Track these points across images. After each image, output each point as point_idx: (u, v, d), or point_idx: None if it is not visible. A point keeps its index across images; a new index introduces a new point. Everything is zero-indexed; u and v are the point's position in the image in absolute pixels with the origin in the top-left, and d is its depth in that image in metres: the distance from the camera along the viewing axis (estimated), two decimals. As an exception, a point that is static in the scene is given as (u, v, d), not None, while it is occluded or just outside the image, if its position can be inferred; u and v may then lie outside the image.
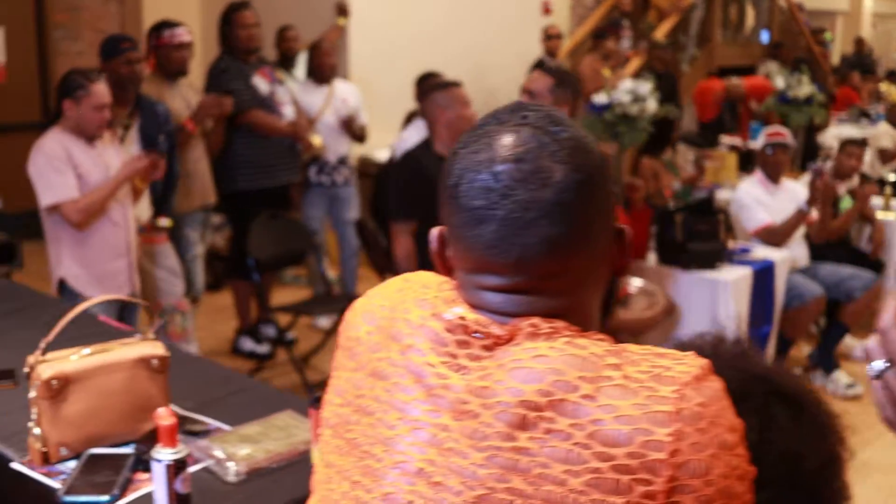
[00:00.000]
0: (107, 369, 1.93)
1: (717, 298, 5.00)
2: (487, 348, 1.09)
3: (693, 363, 1.06)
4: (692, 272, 5.06)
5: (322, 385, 3.87)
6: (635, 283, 4.90)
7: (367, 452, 1.13)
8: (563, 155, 1.09)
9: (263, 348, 5.79)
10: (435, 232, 1.20)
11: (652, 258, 5.23)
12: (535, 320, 1.08)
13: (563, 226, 1.08)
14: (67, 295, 4.08)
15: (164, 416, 1.70)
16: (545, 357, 1.04)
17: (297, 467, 1.93)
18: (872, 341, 0.94)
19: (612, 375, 1.03)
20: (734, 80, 9.28)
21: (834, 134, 8.66)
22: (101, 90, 4.05)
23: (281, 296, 6.40)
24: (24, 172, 4.19)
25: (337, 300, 5.83)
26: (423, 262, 4.35)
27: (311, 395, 2.37)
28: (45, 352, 1.91)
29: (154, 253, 4.82)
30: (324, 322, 6.15)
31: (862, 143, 6.62)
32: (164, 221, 4.89)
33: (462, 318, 1.11)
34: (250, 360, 5.70)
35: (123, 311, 4.34)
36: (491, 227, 1.08)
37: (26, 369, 1.93)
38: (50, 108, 8.08)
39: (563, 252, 1.09)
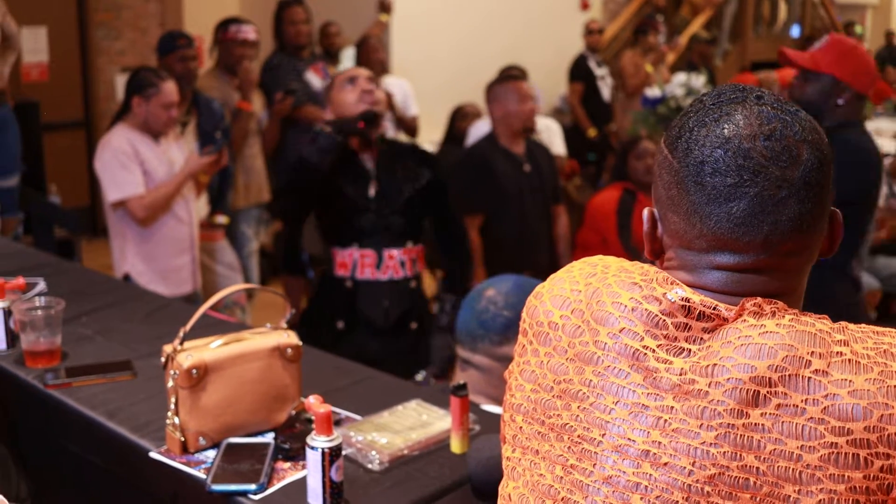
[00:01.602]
0: (244, 358, 1.93)
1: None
2: (708, 330, 1.09)
3: None
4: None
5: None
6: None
7: (582, 437, 1.13)
8: (805, 134, 1.10)
9: (315, 344, 5.79)
10: (647, 212, 1.21)
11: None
12: (758, 300, 1.09)
13: (809, 204, 1.09)
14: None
15: (319, 404, 1.71)
16: (775, 333, 1.05)
17: (437, 456, 1.92)
18: None
19: (842, 351, 1.04)
20: (767, 73, 9.24)
21: (871, 128, 8.63)
22: (171, 89, 4.07)
23: (328, 292, 6.38)
24: (69, 170, 4.22)
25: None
26: (489, 253, 4.34)
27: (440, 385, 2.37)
28: (182, 341, 1.92)
29: (212, 249, 4.83)
30: (372, 317, 6.14)
31: None
32: (222, 219, 4.91)
33: (686, 300, 1.11)
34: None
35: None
36: (742, 204, 1.09)
37: (163, 358, 1.93)
38: (91, 106, 8.13)
39: (806, 230, 1.11)
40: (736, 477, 1.02)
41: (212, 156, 4.24)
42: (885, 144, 7.36)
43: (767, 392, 1.03)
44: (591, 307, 1.17)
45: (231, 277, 4.91)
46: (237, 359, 1.92)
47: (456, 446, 1.92)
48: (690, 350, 1.09)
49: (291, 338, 2.01)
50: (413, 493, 1.79)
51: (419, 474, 1.85)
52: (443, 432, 1.96)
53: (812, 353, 1.04)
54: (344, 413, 2.10)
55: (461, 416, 1.90)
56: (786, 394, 1.03)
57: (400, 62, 7.88)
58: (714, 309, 1.10)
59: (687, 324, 1.10)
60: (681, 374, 1.07)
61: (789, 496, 1.00)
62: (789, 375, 1.03)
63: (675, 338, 1.10)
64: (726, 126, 1.11)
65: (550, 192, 4.58)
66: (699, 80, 5.60)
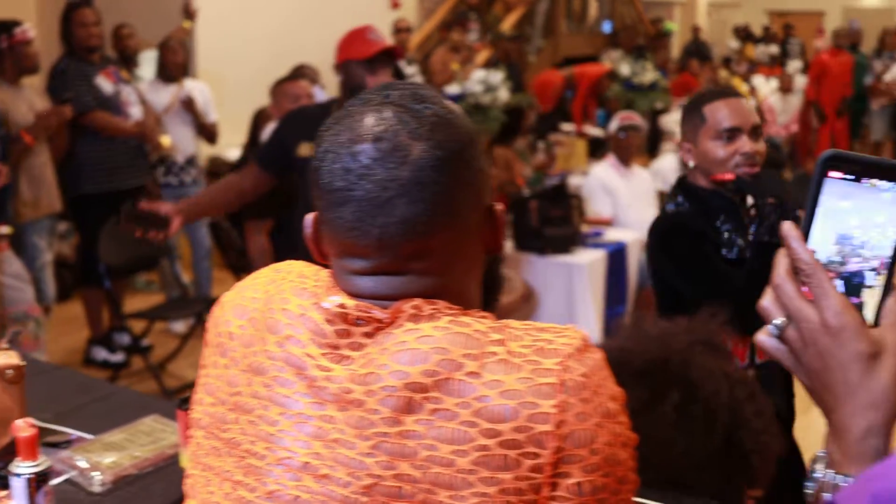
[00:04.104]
0: (-43, 382, 1.83)
1: (573, 281, 5.12)
2: (369, 335, 1.06)
3: (574, 335, 1.06)
4: (548, 257, 5.16)
5: (181, 390, 3.79)
6: (494, 270, 4.96)
7: (248, 451, 1.09)
8: (423, 131, 1.06)
9: (118, 357, 5.61)
10: (310, 217, 1.17)
11: (508, 245, 5.31)
12: (417, 302, 1.06)
13: (423, 204, 1.06)
14: None
15: (23, 427, 1.63)
16: (429, 337, 1.03)
17: (165, 472, 1.87)
18: (767, 299, 0.91)
19: (496, 351, 1.02)
20: (568, 69, 9.46)
21: (675, 119, 8.96)
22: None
23: (134, 302, 6.22)
24: None
25: (192, 304, 5.70)
26: (279, 259, 4.29)
27: (173, 398, 2.30)
28: None
29: (-4, 261, 4.62)
30: (179, 327, 6.02)
31: None
32: (4, 229, 4.69)
33: (342, 306, 1.08)
34: (104, 369, 5.52)
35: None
36: (350, 208, 1.06)
37: None
38: None
39: (424, 231, 1.07)
40: (390, 486, 1.00)
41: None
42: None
43: (422, 398, 1.00)
44: (265, 315, 1.14)
45: (19, 288, 4.70)
46: (-51, 383, 1.82)
47: (185, 461, 1.87)
48: (352, 358, 1.06)
49: (12, 358, 1.92)
50: (134, 512, 1.73)
51: (144, 493, 1.79)
52: (172, 447, 1.91)
53: (466, 354, 1.02)
54: (76, 433, 2.02)
55: (187, 429, 1.85)
56: (439, 398, 1.00)
57: (205, 64, 7.71)
58: (369, 313, 1.06)
59: (347, 330, 1.07)
60: (341, 383, 1.04)
61: (442, 502, 0.98)
62: (443, 379, 1.00)
63: (337, 345, 1.07)
64: (343, 130, 1.09)
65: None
66: (497, 77, 5.68)
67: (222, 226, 5.65)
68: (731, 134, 2.47)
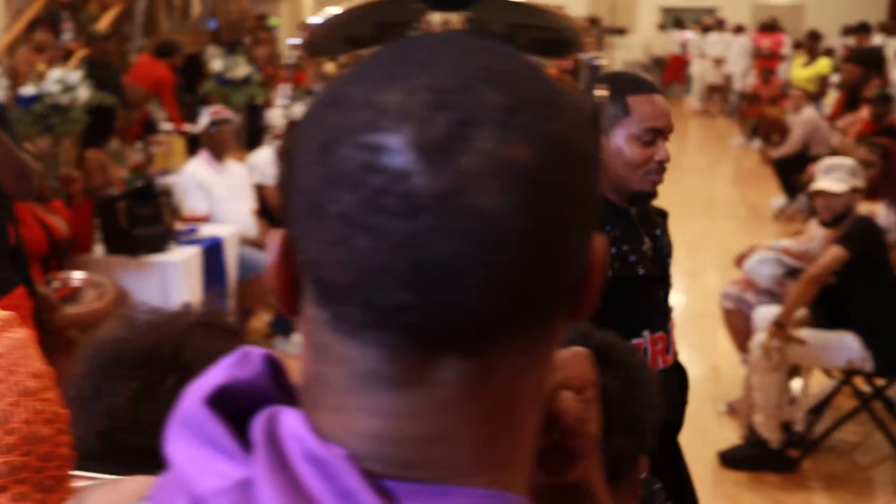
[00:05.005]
0: None
1: (168, 280, 5.07)
2: None
3: None
4: (140, 258, 5.07)
5: None
6: (78, 276, 4.81)
7: None
8: None
9: None
10: None
11: (100, 249, 5.17)
12: None
13: None
14: None
15: None
16: None
17: None
18: None
19: None
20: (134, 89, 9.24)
21: (277, 113, 9.09)
22: None
23: None
24: None
25: None
26: None
27: None
28: None
29: None
30: None
31: None
32: None
33: None
34: None
35: None
36: None
37: None
38: None
39: None
40: None
41: None
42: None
43: None
44: None
45: None
46: None
47: None
48: None
49: None
50: None
51: None
52: None
53: None
54: None
55: None
56: None
57: None
58: None
59: None
60: None
61: None
62: None
63: None
64: None
65: None
66: (75, 76, 5.51)
67: None
68: (653, 136, 2.22)
